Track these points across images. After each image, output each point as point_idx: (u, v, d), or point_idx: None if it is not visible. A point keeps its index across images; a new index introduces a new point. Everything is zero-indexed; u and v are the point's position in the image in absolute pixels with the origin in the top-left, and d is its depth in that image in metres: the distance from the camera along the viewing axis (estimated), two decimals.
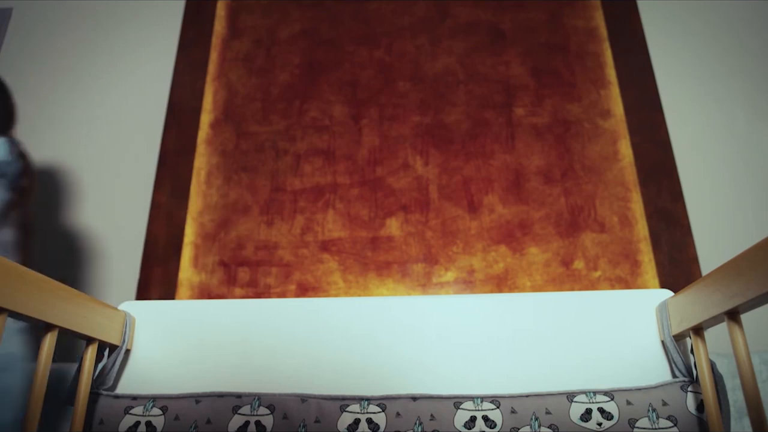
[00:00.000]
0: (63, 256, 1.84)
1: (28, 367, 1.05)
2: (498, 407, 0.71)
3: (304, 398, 0.74)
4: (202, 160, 1.99)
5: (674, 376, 0.72)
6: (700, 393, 0.68)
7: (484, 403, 0.72)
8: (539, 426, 0.69)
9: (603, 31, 2.02)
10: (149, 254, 1.83)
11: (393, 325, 0.80)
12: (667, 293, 0.77)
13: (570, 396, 0.71)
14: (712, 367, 0.67)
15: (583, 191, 1.82)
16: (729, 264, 0.59)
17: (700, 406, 0.68)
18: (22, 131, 2.03)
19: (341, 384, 0.76)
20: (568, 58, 2.00)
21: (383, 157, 1.69)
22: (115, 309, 0.80)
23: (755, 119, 1.74)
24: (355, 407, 0.73)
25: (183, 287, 1.82)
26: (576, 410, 0.70)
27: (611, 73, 1.95)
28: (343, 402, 0.73)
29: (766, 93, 1.76)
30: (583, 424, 0.69)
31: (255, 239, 1.68)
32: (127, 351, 0.79)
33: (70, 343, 1.50)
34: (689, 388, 0.69)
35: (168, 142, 1.99)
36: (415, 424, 0.71)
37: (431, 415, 0.71)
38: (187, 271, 1.84)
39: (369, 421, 0.71)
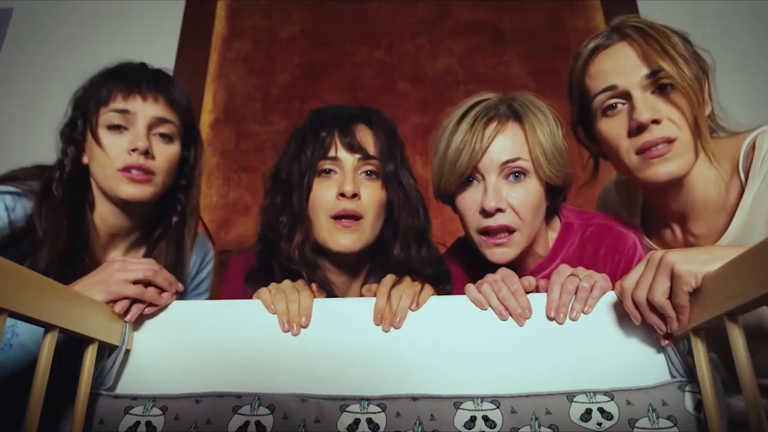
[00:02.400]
0: None
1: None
2: (498, 407, 0.71)
3: (304, 398, 0.74)
4: None
5: (672, 376, 0.72)
6: (698, 393, 0.68)
7: (484, 403, 0.72)
8: (539, 426, 0.69)
9: None
10: None
11: (390, 329, 0.80)
12: None
13: (570, 396, 0.71)
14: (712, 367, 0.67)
15: (583, 191, 1.82)
16: (728, 265, 0.59)
17: (698, 405, 0.68)
18: (22, 131, 2.02)
19: (341, 384, 0.76)
20: (568, 58, 1.99)
21: None
22: None
23: (755, 119, 1.74)
24: (355, 407, 0.73)
25: None
26: (576, 410, 0.70)
27: None
28: (343, 402, 0.73)
29: (765, 93, 1.76)
30: (583, 424, 0.69)
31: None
32: (127, 351, 0.79)
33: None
34: (687, 388, 0.69)
35: None
36: (415, 424, 0.71)
37: (431, 415, 0.71)
38: None
39: (369, 421, 0.71)
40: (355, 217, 0.97)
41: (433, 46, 2.09)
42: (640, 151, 0.87)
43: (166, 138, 1.02)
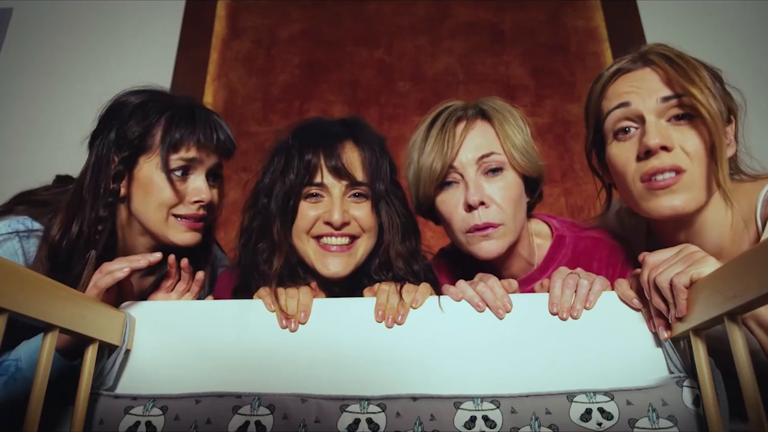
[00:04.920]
0: None
1: None
2: (498, 407, 0.71)
3: (304, 398, 0.74)
4: None
5: (670, 371, 0.72)
6: (696, 388, 0.68)
7: (484, 403, 0.72)
8: (539, 426, 0.69)
9: (603, 31, 2.02)
10: None
11: (393, 325, 0.80)
12: None
13: (570, 396, 0.71)
14: (711, 366, 0.68)
15: (583, 191, 1.82)
16: (728, 265, 0.59)
17: (696, 399, 0.68)
18: (22, 132, 2.02)
19: (341, 384, 0.76)
20: (568, 58, 2.00)
21: None
22: (116, 309, 0.80)
23: (756, 119, 1.73)
24: (355, 407, 0.73)
25: None
26: (576, 410, 0.70)
27: None
28: (343, 402, 0.73)
29: (767, 93, 1.75)
30: (583, 424, 0.69)
31: None
32: (127, 351, 0.79)
33: None
34: (685, 383, 0.70)
35: None
36: (415, 424, 0.71)
37: (431, 415, 0.71)
38: None
39: (369, 421, 0.72)
40: (347, 243, 0.95)
41: (433, 46, 2.08)
42: (646, 178, 0.82)
43: (217, 181, 1.03)
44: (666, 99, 0.82)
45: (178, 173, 0.96)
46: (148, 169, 0.95)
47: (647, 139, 0.80)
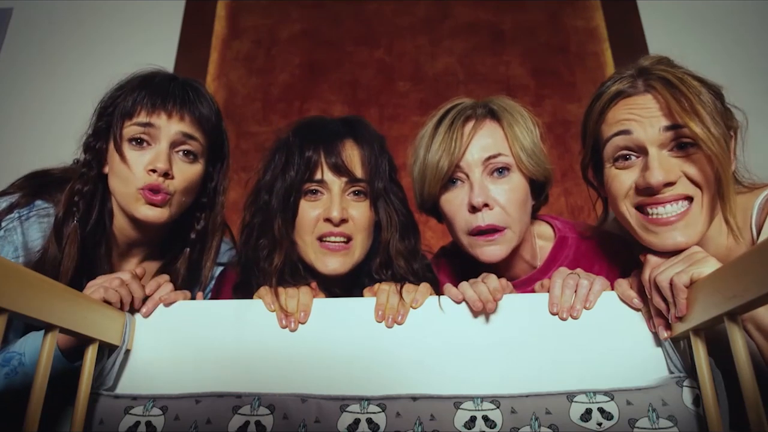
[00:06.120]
0: None
1: None
2: (498, 407, 0.71)
3: (304, 398, 0.74)
4: None
5: (670, 371, 0.72)
6: (696, 387, 0.68)
7: (484, 403, 0.72)
8: (539, 426, 0.69)
9: (603, 31, 2.02)
10: None
11: (393, 325, 0.80)
12: None
13: (570, 396, 0.71)
14: (711, 366, 0.68)
15: (583, 191, 1.82)
16: (728, 265, 0.59)
17: (696, 399, 0.68)
18: (22, 131, 2.02)
19: (341, 384, 0.76)
20: (568, 58, 2.00)
21: None
22: (116, 309, 0.80)
23: (757, 120, 1.73)
24: (355, 407, 0.73)
25: None
26: (576, 410, 0.70)
27: (611, 73, 1.94)
28: (343, 402, 0.73)
29: (766, 93, 1.75)
30: (583, 424, 0.69)
31: None
32: (127, 351, 0.79)
33: None
34: (685, 383, 0.70)
35: None
36: (415, 424, 0.71)
37: (431, 415, 0.71)
38: None
39: (369, 421, 0.72)
40: (344, 241, 0.95)
41: (433, 46, 2.08)
42: (646, 212, 0.80)
43: (190, 156, 0.97)
44: (668, 129, 0.79)
45: (135, 143, 0.94)
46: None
47: (650, 177, 0.77)
